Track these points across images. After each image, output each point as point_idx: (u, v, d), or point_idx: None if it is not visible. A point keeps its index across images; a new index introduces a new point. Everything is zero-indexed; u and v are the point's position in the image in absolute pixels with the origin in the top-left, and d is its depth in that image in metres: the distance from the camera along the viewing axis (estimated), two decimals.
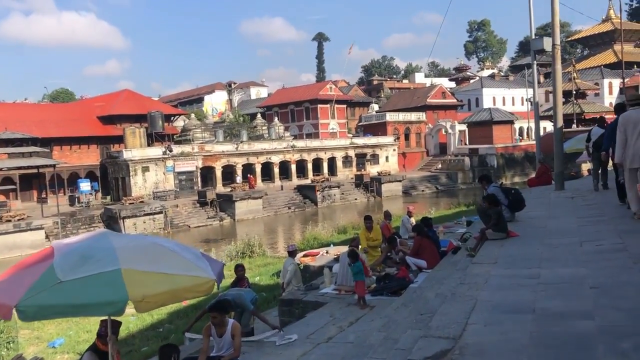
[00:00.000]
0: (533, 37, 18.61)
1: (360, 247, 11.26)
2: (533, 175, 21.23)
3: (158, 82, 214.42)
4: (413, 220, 14.94)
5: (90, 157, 46.97)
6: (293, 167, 53.03)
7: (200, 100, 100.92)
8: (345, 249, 16.83)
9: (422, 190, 55.26)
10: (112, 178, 45.44)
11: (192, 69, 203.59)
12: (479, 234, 8.07)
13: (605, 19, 79.96)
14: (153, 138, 48.26)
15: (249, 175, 47.52)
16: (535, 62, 18.71)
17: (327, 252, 16.30)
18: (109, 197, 45.28)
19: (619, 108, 8.83)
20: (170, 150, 44.46)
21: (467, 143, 64.05)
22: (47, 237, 34.12)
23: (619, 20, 66.53)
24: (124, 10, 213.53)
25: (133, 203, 38.08)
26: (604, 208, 9.48)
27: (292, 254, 11.30)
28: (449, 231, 15.12)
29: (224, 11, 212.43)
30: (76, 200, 42.98)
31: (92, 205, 42.65)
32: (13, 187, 40.24)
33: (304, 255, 16.32)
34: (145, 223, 37.28)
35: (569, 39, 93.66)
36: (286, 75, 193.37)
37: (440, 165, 61.88)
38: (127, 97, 52.55)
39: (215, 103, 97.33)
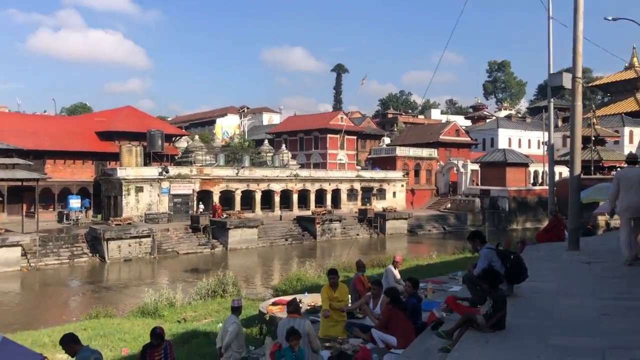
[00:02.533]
0: (551, 72, 16.58)
1: (321, 308, 9.14)
2: (546, 222, 19.12)
3: (178, 103, 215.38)
4: (397, 272, 12.74)
5: (84, 173, 45.31)
6: (295, 196, 50.98)
7: (212, 122, 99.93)
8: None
9: (429, 230, 52.82)
10: (104, 196, 43.68)
11: (211, 92, 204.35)
12: (461, 318, 5.89)
13: (628, 66, 77.88)
14: (151, 158, 46.58)
15: (214, 204, 44.20)
16: (552, 99, 16.65)
17: (299, 301, 14.03)
18: (100, 216, 43.44)
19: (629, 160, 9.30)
20: (167, 171, 42.69)
21: (479, 183, 61.69)
22: (24, 254, 32.19)
23: None
24: (150, 31, 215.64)
25: (120, 224, 36.13)
26: (633, 283, 7.27)
27: (235, 310, 9.08)
28: (439, 288, 12.88)
29: (246, 37, 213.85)
30: (64, 217, 41.15)
31: (81, 224, 40.77)
32: None
33: (273, 304, 14.05)
34: (130, 246, 35.25)
35: (590, 84, 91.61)
36: (304, 104, 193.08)
37: (449, 205, 59.47)
38: (129, 113, 51.14)
39: (227, 126, 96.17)
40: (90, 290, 28.23)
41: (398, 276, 12.72)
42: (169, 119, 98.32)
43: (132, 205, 41.24)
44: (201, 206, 43.66)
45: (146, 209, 41.77)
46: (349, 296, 9.57)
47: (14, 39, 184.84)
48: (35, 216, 35.43)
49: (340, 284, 9.58)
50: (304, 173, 52.81)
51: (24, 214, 40.03)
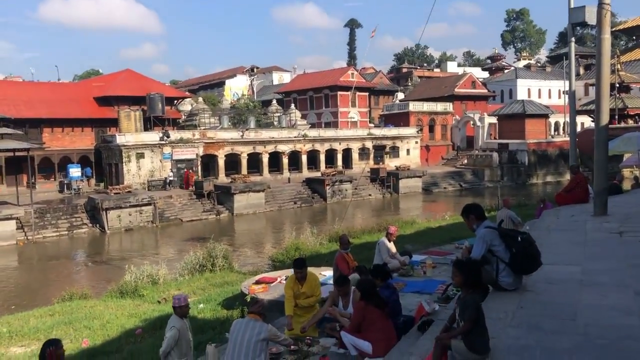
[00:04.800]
0: (571, 6, 14.27)
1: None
2: (568, 176, 16.89)
3: (192, 66, 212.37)
4: (392, 245, 10.96)
5: (84, 140, 43.86)
6: (304, 158, 49.13)
7: (222, 84, 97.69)
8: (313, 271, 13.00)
9: (444, 188, 50.79)
10: (105, 164, 42.32)
11: (225, 54, 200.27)
12: (435, 347, 4.09)
13: None
14: (152, 122, 44.91)
15: (186, 170, 41.16)
16: (573, 39, 14.39)
17: (285, 279, 12.40)
18: (102, 184, 42.19)
19: None
20: (168, 136, 41.04)
21: (497, 137, 59.11)
22: (21, 227, 31.10)
23: None
24: None
25: (119, 193, 34.76)
26: None
27: (179, 310, 7.28)
28: (443, 262, 11.06)
29: None
30: (65, 186, 39.99)
31: (83, 193, 39.54)
32: None
33: (256, 282, 12.45)
34: (131, 216, 33.95)
35: (614, 29, 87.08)
36: (319, 63, 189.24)
37: (466, 161, 57.16)
38: (127, 77, 49.16)
39: (236, 88, 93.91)
40: (89, 264, 27.11)
41: (393, 250, 10.97)
42: (157, 81, 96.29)
43: (134, 172, 39.84)
44: (170, 173, 40.77)
45: (148, 175, 40.35)
46: (321, 289, 7.81)
47: (25, 7, 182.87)
48: (29, 187, 34.23)
49: (310, 275, 7.80)
50: (313, 133, 50.79)
51: (25, 185, 39.02)
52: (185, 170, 41.07)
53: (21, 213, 30.70)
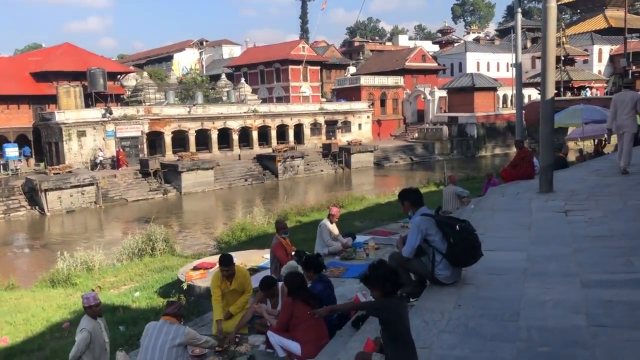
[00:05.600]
0: None
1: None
2: (515, 149, 16.77)
3: (141, 41, 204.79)
4: (334, 227, 10.48)
5: (21, 119, 41.55)
6: (254, 134, 48.14)
7: (170, 58, 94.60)
8: (256, 254, 12.39)
9: (396, 162, 50.86)
10: (45, 143, 40.29)
11: (174, 28, 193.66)
12: None
13: None
14: (93, 99, 42.91)
15: (118, 150, 39.34)
16: (519, 9, 14.06)
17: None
18: (42, 164, 40.21)
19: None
20: (110, 113, 39.29)
21: (447, 111, 59.46)
22: None
23: None
24: None
25: (59, 173, 33.15)
26: (634, 250, 5.08)
27: (89, 311, 6.56)
28: (387, 242, 10.66)
29: None
30: (1, 167, 37.89)
31: (21, 174, 37.60)
32: None
33: (194, 268, 11.77)
34: (72, 197, 32.45)
35: (559, 2, 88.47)
36: (271, 36, 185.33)
37: (416, 134, 57.36)
38: (66, 51, 46.63)
39: (185, 62, 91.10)
40: (25, 250, 25.77)
41: (336, 232, 10.50)
42: (98, 55, 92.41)
43: (75, 151, 38.07)
44: (100, 153, 38.69)
45: (91, 154, 38.64)
46: (251, 285, 7.21)
47: None
48: None
49: (239, 270, 7.17)
50: (264, 108, 49.75)
51: None
52: (117, 149, 39.28)
53: None
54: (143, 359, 5.26)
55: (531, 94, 50.93)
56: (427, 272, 4.88)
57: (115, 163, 38.46)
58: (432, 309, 4.16)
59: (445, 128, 54.65)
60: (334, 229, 10.40)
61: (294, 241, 15.22)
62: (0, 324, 11.15)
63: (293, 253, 8.63)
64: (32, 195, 32.46)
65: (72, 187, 32.45)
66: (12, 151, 38.13)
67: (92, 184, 33.29)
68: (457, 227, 4.72)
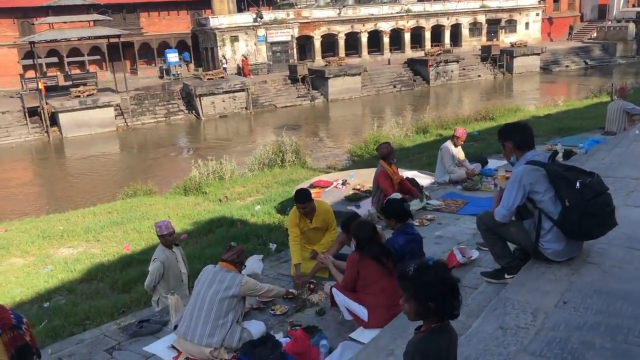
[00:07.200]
0: None
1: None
2: None
3: None
4: (460, 151, 8.95)
5: (181, 24, 43.22)
6: (407, 36, 45.40)
7: None
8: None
9: (566, 66, 45.20)
10: (202, 48, 41.82)
11: None
12: None
13: None
14: (246, 3, 43.08)
15: (242, 59, 38.67)
16: None
17: (342, 185, 10.90)
18: (201, 69, 42.01)
19: None
20: (261, 17, 39.22)
21: (638, 4, 50.79)
22: (121, 114, 31.81)
23: None
24: None
25: (212, 79, 34.21)
26: None
27: (163, 240, 6.05)
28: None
29: None
30: (164, 72, 40.27)
31: (182, 78, 39.65)
32: (97, 57, 38.22)
33: (310, 186, 10.98)
34: (224, 102, 33.53)
35: None
36: None
37: (595, 34, 50.12)
38: None
39: None
40: (183, 153, 27.41)
41: (461, 156, 8.97)
42: None
43: (229, 56, 39.00)
44: (224, 60, 38.60)
45: (238, 60, 39.37)
46: (335, 223, 6.15)
47: None
48: (143, 72, 34.37)
49: (320, 205, 6.13)
50: (418, 7, 46.35)
51: (129, 71, 39.74)
52: (242, 58, 39.04)
53: (117, 100, 31.23)
54: (191, 308, 4.60)
55: None
56: (528, 243, 3.45)
57: (243, 69, 38.60)
58: (522, 304, 2.81)
59: (631, 25, 46.84)
60: (459, 152, 8.86)
61: (420, 162, 13.83)
62: (128, 231, 11.56)
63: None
64: (189, 100, 34.07)
65: (224, 92, 33.41)
66: (173, 57, 40.11)
67: (242, 90, 34.00)
68: (578, 183, 3.16)
